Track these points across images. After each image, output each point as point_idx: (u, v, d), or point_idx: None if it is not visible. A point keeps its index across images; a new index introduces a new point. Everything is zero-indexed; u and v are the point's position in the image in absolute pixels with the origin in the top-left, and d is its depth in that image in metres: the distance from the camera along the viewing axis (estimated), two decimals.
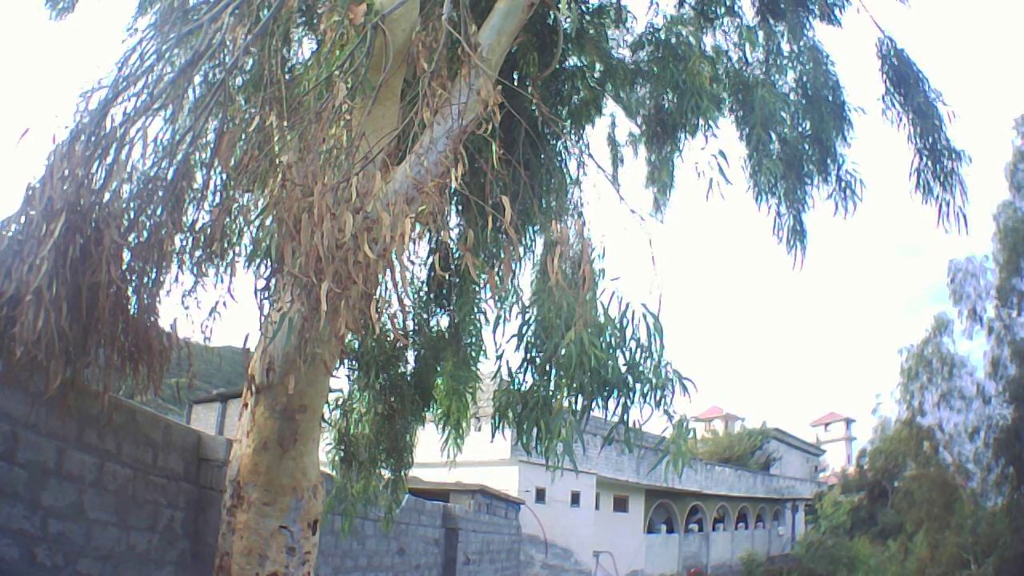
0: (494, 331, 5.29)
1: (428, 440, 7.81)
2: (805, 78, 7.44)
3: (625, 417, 4.58)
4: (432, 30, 4.97)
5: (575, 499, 24.66)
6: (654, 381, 4.50)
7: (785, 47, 7.53)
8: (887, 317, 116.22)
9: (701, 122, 6.51)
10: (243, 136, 4.75)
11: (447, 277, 7.07)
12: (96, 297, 3.77)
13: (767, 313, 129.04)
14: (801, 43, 7.42)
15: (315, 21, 6.16)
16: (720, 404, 60.94)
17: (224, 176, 4.79)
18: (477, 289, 6.90)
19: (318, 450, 5.06)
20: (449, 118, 4.79)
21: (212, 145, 4.84)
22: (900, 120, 7.33)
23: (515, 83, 6.28)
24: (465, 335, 7.20)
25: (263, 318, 4.48)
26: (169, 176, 4.31)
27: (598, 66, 7.37)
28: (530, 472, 21.25)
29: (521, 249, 6.52)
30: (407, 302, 6.15)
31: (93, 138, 3.98)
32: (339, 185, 3.89)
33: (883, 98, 7.39)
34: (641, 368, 4.53)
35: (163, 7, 6.18)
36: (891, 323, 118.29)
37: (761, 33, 7.43)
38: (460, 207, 6.75)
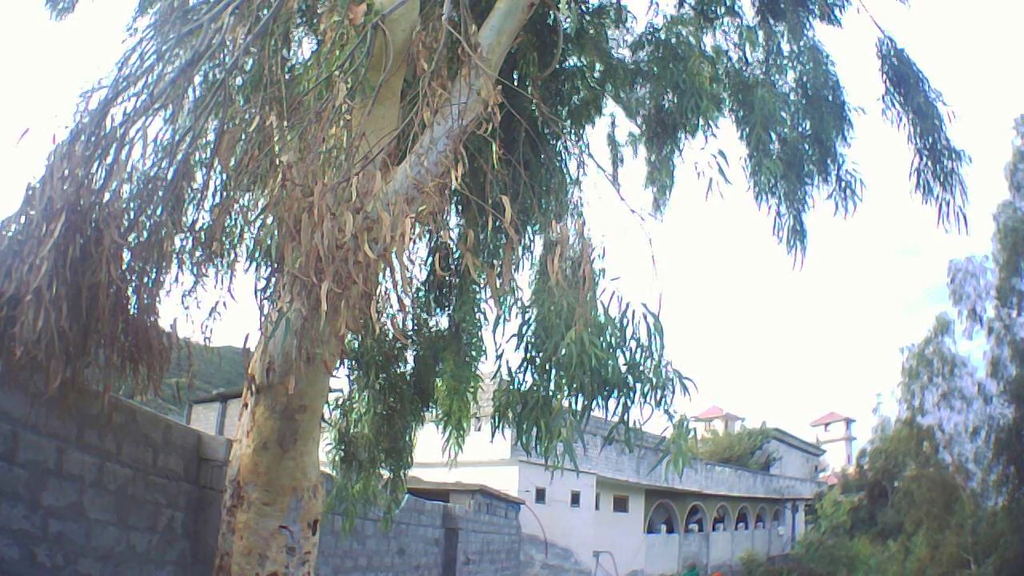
0: (494, 331, 5.29)
1: (428, 440, 7.81)
2: (805, 78, 7.44)
3: (625, 417, 4.58)
4: (432, 30, 4.97)
5: (575, 499, 24.65)
6: (654, 381, 4.50)
7: (785, 47, 7.53)
8: (887, 317, 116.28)
9: (701, 122, 6.50)
10: (243, 136, 4.75)
11: (447, 277, 7.07)
12: (96, 297, 3.77)
13: (767, 313, 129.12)
14: (801, 43, 7.42)
15: (315, 21, 6.16)
16: (720, 404, 60.87)
17: (224, 176, 4.79)
18: (477, 289, 6.91)
19: (318, 450, 5.06)
20: (449, 118, 4.79)
21: (212, 145, 4.84)
22: (900, 120, 7.33)
23: (515, 83, 6.27)
24: (465, 335, 7.20)
25: (263, 318, 4.48)
26: (169, 176, 4.30)
27: (598, 66, 7.37)
28: (530, 472, 21.24)
29: (521, 249, 6.52)
30: (407, 302, 6.14)
31: (93, 138, 3.97)
32: (339, 185, 3.89)
33: (883, 98, 7.39)
34: (641, 368, 4.53)
35: (163, 7, 6.18)
36: (891, 323, 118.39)
37: (761, 33, 7.43)
38: (460, 207, 6.75)
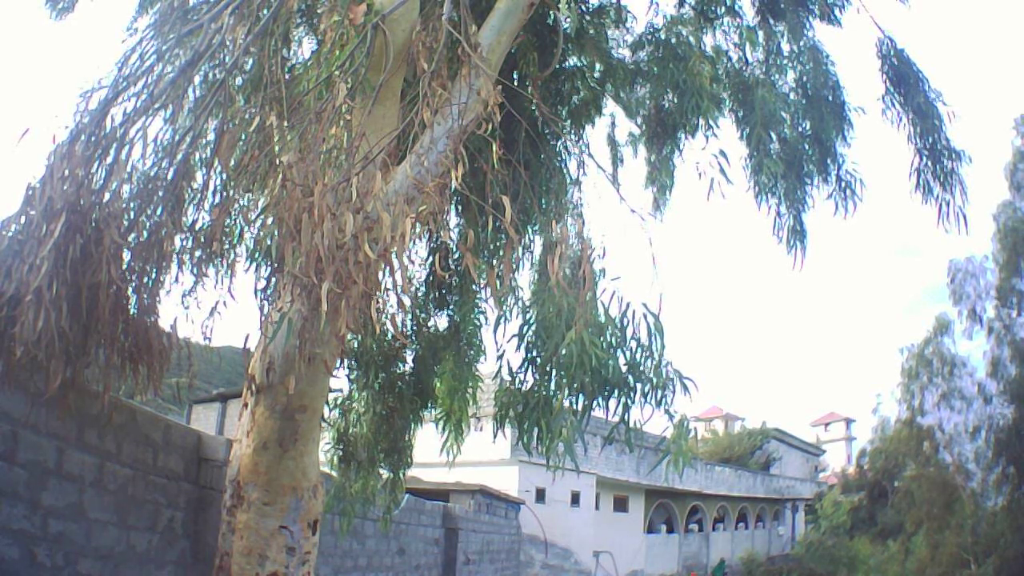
0: (494, 331, 5.29)
1: (428, 440, 7.81)
2: (805, 78, 7.44)
3: (626, 417, 4.58)
4: (432, 30, 4.97)
5: (575, 499, 24.66)
6: (654, 381, 4.50)
7: (785, 47, 7.53)
8: (887, 317, 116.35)
9: (701, 122, 6.50)
10: (243, 136, 4.75)
11: (447, 277, 7.07)
12: (96, 297, 3.77)
13: (767, 313, 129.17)
14: (801, 43, 7.42)
15: (315, 21, 6.16)
16: (720, 404, 60.95)
17: (224, 176, 4.79)
18: (477, 289, 6.91)
19: (318, 450, 5.06)
20: (449, 118, 4.79)
21: (212, 145, 4.84)
22: (900, 120, 7.33)
23: (515, 83, 6.27)
24: (465, 335, 7.20)
25: (263, 318, 4.48)
26: (169, 176, 4.30)
27: (598, 66, 7.37)
28: (530, 472, 21.24)
29: (521, 249, 6.52)
30: (407, 302, 6.15)
31: (93, 138, 3.97)
32: (339, 185, 3.89)
33: (883, 98, 7.38)
34: (641, 368, 4.53)
35: (163, 7, 6.18)
36: (891, 323, 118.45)
37: (761, 33, 7.42)
38: (460, 207, 6.75)
